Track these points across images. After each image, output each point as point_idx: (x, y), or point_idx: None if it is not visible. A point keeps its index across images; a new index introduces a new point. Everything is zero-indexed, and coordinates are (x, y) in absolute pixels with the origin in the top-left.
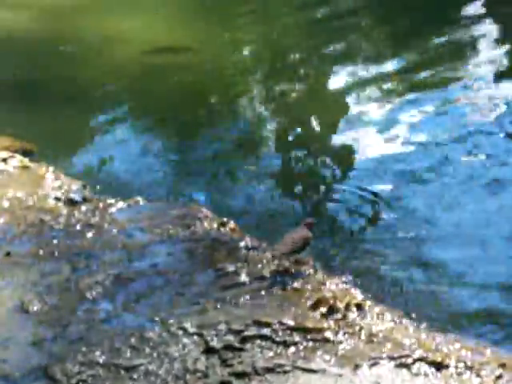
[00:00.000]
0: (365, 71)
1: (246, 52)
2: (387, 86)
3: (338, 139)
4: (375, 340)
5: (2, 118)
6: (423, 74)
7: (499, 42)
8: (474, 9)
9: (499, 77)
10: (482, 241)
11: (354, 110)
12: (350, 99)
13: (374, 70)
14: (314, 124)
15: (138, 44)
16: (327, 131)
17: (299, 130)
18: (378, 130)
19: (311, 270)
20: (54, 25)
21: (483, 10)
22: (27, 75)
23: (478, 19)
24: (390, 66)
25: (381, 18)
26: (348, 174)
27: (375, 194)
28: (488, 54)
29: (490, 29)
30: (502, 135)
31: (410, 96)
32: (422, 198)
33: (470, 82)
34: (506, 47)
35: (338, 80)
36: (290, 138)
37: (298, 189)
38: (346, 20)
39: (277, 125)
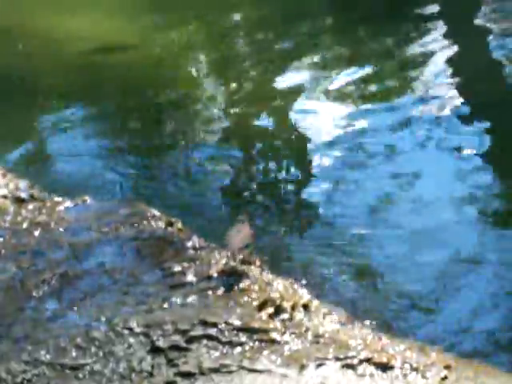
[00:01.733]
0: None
1: (194, 49)
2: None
3: (287, 139)
4: (321, 341)
5: None
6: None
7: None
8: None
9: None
10: (426, 233)
11: (303, 106)
12: (301, 99)
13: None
14: (264, 122)
15: (86, 42)
16: (278, 128)
17: (247, 127)
18: (332, 134)
19: (258, 270)
20: (1, 21)
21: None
22: None
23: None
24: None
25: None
26: (300, 175)
27: (326, 194)
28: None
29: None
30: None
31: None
32: (370, 196)
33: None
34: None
35: (289, 79)
36: (239, 136)
37: (251, 189)
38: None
39: (225, 122)
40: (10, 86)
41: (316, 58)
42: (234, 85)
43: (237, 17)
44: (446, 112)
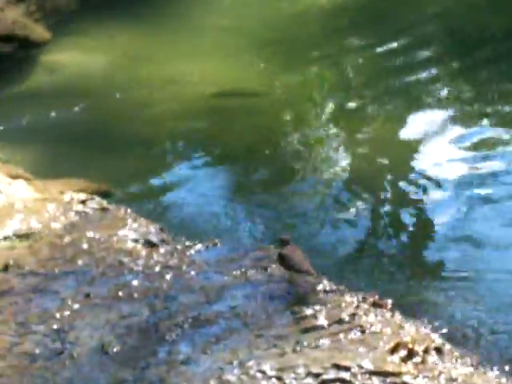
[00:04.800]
0: (443, 114)
1: (315, 95)
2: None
3: (418, 185)
4: None
5: (77, 160)
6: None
7: None
8: None
9: None
10: None
11: (427, 158)
12: (424, 146)
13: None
14: (388, 167)
15: (205, 87)
16: (397, 172)
17: (372, 173)
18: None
19: (389, 313)
20: (125, 69)
21: None
22: (99, 118)
23: None
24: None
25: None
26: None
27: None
28: None
29: None
30: None
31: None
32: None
33: None
34: None
35: (411, 123)
36: (364, 179)
37: (385, 236)
38: (417, 58)
39: (349, 168)
40: (134, 129)
41: (452, 111)
42: (360, 129)
43: (359, 59)
44: None
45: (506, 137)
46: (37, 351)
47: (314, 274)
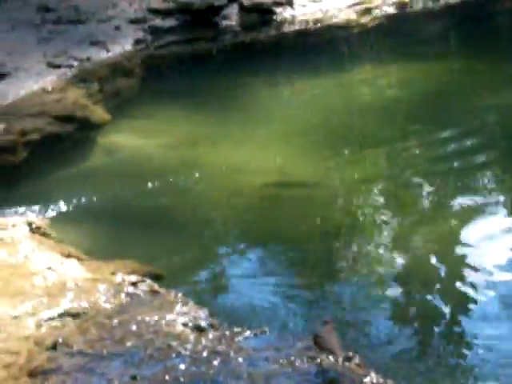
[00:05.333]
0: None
1: (367, 187)
2: None
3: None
4: None
5: (130, 242)
6: None
7: None
8: None
9: None
10: None
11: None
12: (480, 243)
13: None
14: (441, 264)
15: (258, 176)
16: (451, 270)
17: (424, 270)
18: None
19: None
20: (181, 155)
21: None
22: (154, 201)
23: None
24: None
25: None
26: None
27: None
28: None
29: None
30: None
31: None
32: None
33: None
34: None
35: (468, 217)
36: (416, 277)
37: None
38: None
39: (399, 262)
40: (187, 214)
41: None
42: (412, 223)
43: (414, 159)
44: None
45: None
46: None
47: (343, 356)
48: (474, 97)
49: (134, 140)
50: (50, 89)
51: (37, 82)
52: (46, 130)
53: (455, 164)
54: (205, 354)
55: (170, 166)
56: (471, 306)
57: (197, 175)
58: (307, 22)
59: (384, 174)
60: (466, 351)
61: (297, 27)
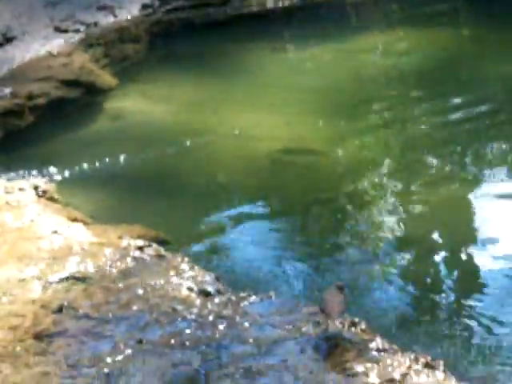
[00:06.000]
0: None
1: (376, 157)
2: None
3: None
4: None
5: (136, 207)
6: None
7: None
8: None
9: None
10: None
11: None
12: (483, 213)
13: None
14: (445, 229)
15: (267, 143)
16: (455, 234)
17: (428, 233)
18: None
19: (442, 374)
20: (188, 119)
21: None
22: (160, 167)
23: None
24: None
25: None
26: None
27: None
28: None
29: None
30: None
31: None
32: None
33: None
34: None
35: (475, 186)
36: (419, 241)
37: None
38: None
39: (404, 228)
40: (194, 180)
41: None
42: (422, 192)
43: (423, 126)
44: None
45: None
46: None
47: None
48: (484, 65)
49: (141, 105)
50: (56, 53)
51: (43, 46)
52: (52, 95)
53: (464, 131)
54: (210, 318)
55: (176, 130)
56: (476, 273)
57: (204, 140)
58: None
59: (392, 142)
60: (470, 320)
61: None
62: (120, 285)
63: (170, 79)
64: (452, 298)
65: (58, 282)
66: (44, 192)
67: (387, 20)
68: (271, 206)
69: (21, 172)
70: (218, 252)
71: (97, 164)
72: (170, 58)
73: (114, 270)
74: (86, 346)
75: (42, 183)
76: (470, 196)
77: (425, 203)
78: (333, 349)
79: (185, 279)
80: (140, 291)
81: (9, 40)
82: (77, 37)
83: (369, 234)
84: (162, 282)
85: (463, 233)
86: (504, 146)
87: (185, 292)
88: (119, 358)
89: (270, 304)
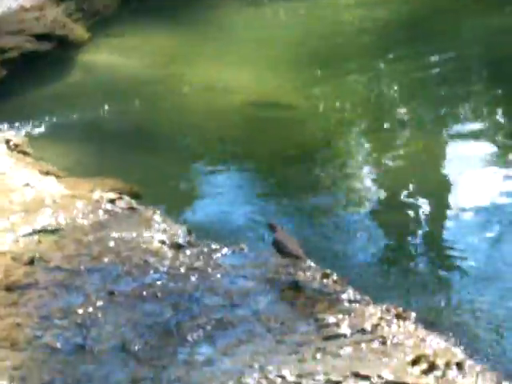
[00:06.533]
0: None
1: (349, 109)
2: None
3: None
4: None
5: (108, 161)
6: None
7: None
8: None
9: None
10: None
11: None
12: (455, 164)
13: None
14: (418, 183)
15: (240, 96)
16: (434, 195)
17: (402, 187)
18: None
19: (412, 325)
20: (160, 73)
21: None
22: (132, 120)
23: None
24: None
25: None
26: None
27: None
28: None
29: None
30: None
31: None
32: None
33: None
34: None
35: (447, 140)
36: (393, 196)
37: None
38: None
39: (378, 182)
40: (166, 133)
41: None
42: (392, 145)
43: (398, 68)
44: None
45: None
46: (58, 345)
47: (305, 259)
48: (460, 18)
49: (114, 58)
50: (28, 7)
51: (16, 0)
52: (25, 48)
53: (440, 88)
54: (182, 270)
55: (148, 84)
56: (449, 224)
57: (176, 94)
58: None
59: (366, 98)
60: (442, 271)
61: None
62: (91, 237)
63: (141, 33)
64: (424, 249)
65: (30, 235)
66: (16, 145)
67: None
68: (243, 158)
69: None
70: (190, 205)
71: (69, 118)
72: (142, 11)
73: (86, 223)
74: (57, 297)
75: (14, 137)
76: (446, 153)
77: (398, 158)
78: (304, 299)
79: (156, 232)
80: (112, 243)
81: None
82: None
83: (341, 185)
84: (134, 234)
85: (436, 187)
86: (481, 104)
87: (156, 244)
88: (91, 309)
89: (242, 256)
